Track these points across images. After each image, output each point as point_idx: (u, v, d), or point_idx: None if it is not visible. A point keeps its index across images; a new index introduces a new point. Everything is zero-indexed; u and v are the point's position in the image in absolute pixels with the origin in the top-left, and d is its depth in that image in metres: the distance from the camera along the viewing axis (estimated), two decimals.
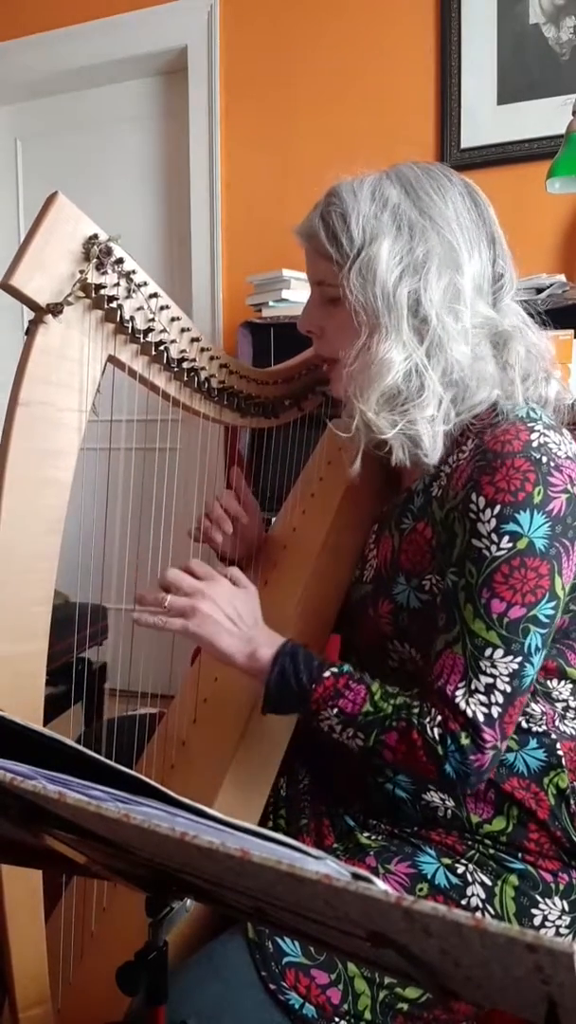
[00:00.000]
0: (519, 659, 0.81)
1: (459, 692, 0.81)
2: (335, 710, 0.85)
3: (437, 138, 2.45)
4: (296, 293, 2.32)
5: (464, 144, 2.41)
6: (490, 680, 0.81)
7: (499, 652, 0.81)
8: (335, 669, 0.87)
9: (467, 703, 0.80)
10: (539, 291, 1.93)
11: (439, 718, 0.81)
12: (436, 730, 0.81)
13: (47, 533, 0.84)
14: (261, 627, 0.91)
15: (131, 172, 2.98)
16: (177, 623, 0.88)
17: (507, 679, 0.81)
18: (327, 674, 0.86)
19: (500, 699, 0.81)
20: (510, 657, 0.81)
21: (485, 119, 2.39)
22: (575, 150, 1.86)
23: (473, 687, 0.81)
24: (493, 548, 0.81)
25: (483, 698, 0.80)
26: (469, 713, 0.80)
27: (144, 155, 2.98)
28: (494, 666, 0.81)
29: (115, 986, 0.57)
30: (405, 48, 2.47)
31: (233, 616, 0.89)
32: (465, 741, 0.80)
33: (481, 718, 0.80)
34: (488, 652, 0.81)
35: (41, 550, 0.84)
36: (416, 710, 0.83)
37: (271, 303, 2.34)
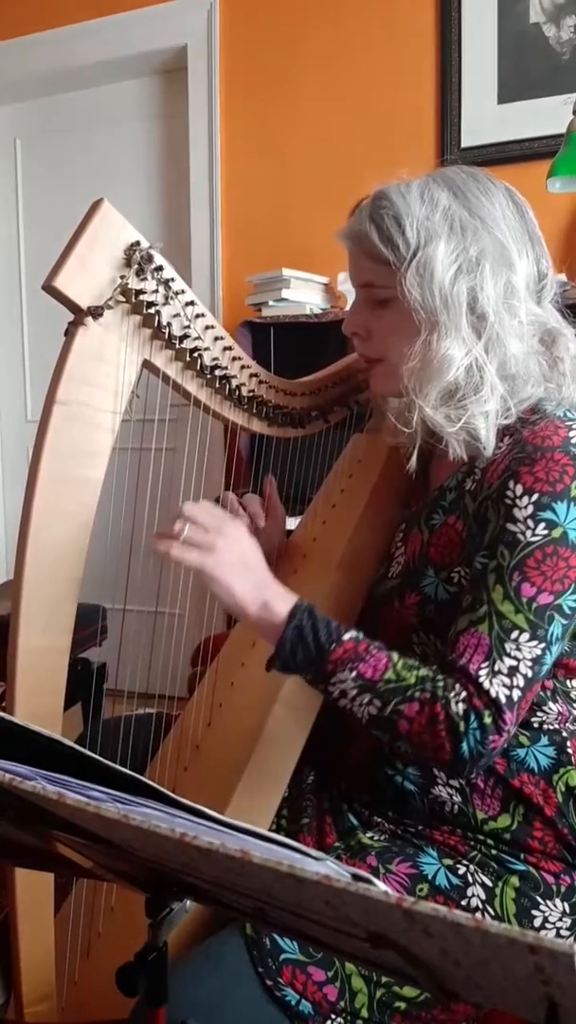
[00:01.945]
0: (543, 645, 0.81)
1: (483, 671, 0.81)
2: (353, 673, 0.83)
3: (437, 137, 2.45)
4: (295, 292, 2.32)
5: (464, 143, 2.41)
6: (514, 663, 0.81)
7: (525, 636, 0.81)
8: (354, 633, 0.86)
9: (491, 683, 0.80)
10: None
11: (463, 694, 0.80)
12: (461, 705, 0.80)
13: (77, 531, 0.86)
14: (272, 580, 0.90)
15: (131, 172, 2.98)
16: (194, 557, 0.86)
17: (529, 663, 0.81)
18: (347, 637, 0.85)
19: (521, 683, 0.81)
20: (534, 642, 0.81)
21: (485, 118, 2.39)
22: (575, 149, 1.86)
23: (496, 668, 0.81)
24: (528, 533, 0.83)
25: (506, 680, 0.80)
26: (493, 693, 0.80)
27: (144, 155, 2.98)
28: (519, 649, 0.81)
29: None
30: (405, 48, 2.47)
31: (248, 561, 0.88)
32: (488, 720, 0.79)
33: (503, 699, 0.80)
34: (514, 635, 0.81)
35: (71, 547, 0.86)
36: (441, 683, 0.82)
37: (271, 302, 2.34)
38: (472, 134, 2.40)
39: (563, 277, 2.02)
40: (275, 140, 2.66)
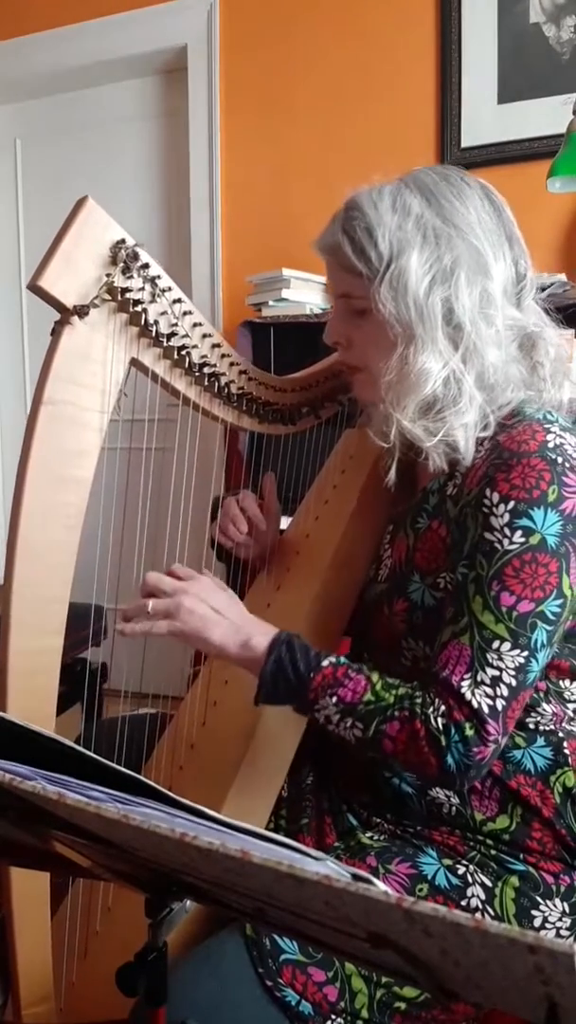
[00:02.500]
0: (525, 653, 0.81)
1: (465, 683, 0.81)
2: (334, 699, 0.84)
3: (437, 138, 2.45)
4: (296, 292, 2.32)
5: (464, 143, 2.41)
6: (496, 673, 0.81)
7: (507, 645, 0.81)
8: (333, 659, 0.86)
9: (472, 694, 0.80)
10: (540, 290, 1.93)
11: (443, 708, 0.81)
12: (440, 720, 0.80)
13: (67, 531, 0.86)
14: (249, 618, 0.91)
15: (131, 172, 2.98)
16: (163, 625, 0.88)
17: (513, 672, 0.81)
18: (326, 663, 0.86)
19: (505, 692, 0.81)
20: (517, 651, 0.81)
21: (485, 118, 2.39)
22: (575, 149, 1.86)
23: (479, 679, 0.81)
24: (505, 542, 0.82)
25: (488, 690, 0.80)
26: (475, 704, 0.80)
27: (144, 155, 2.98)
28: (501, 659, 0.81)
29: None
30: (405, 48, 2.47)
31: (218, 608, 0.90)
32: (469, 732, 0.79)
33: (486, 710, 0.80)
34: (496, 645, 0.81)
35: (60, 547, 0.85)
36: (419, 700, 0.82)
37: (271, 302, 2.33)
38: (472, 134, 2.40)
39: (563, 277, 2.02)
40: (275, 140, 2.66)
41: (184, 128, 2.78)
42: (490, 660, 0.81)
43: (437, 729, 0.80)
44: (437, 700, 0.81)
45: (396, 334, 0.90)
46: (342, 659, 0.87)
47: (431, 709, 0.81)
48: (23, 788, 0.45)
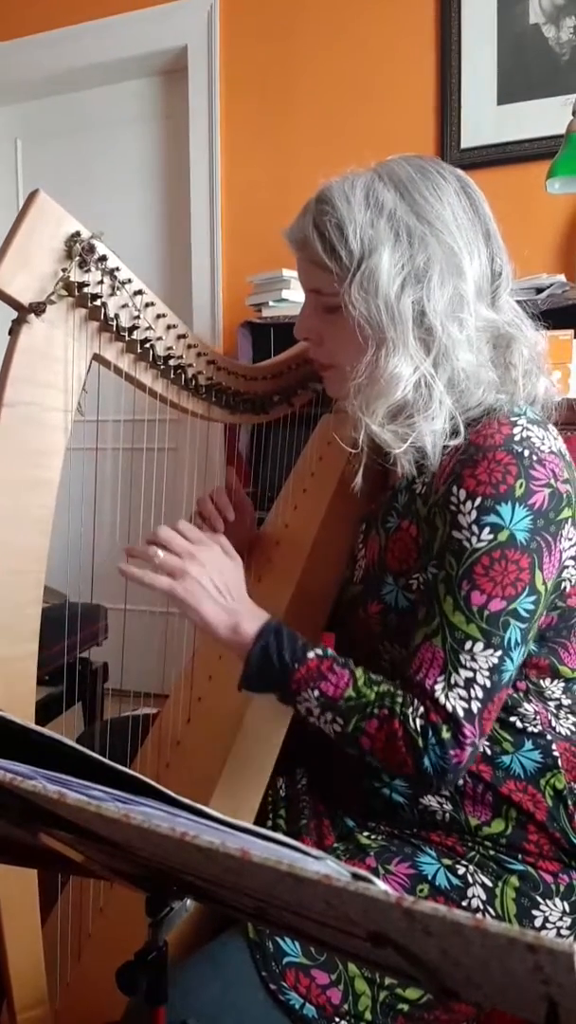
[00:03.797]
0: (499, 653, 0.80)
1: (438, 686, 0.80)
2: (316, 692, 0.83)
3: (437, 138, 2.45)
4: (296, 293, 2.32)
5: (464, 144, 2.41)
6: (470, 674, 0.80)
7: (479, 645, 0.80)
8: (319, 651, 0.85)
9: (447, 697, 0.79)
10: (539, 291, 1.93)
11: (421, 709, 0.80)
12: (418, 721, 0.79)
13: (36, 534, 0.84)
14: (246, 601, 0.90)
15: (131, 172, 2.98)
16: (164, 582, 0.87)
17: (487, 673, 0.80)
18: (311, 655, 0.85)
19: (480, 694, 0.79)
20: (490, 651, 0.80)
21: (485, 119, 2.39)
22: (575, 150, 1.86)
23: (452, 681, 0.80)
24: (474, 540, 0.81)
25: (463, 692, 0.79)
26: (449, 707, 0.79)
27: (144, 155, 2.98)
28: (474, 659, 0.80)
29: (113, 986, 0.57)
30: (405, 48, 2.47)
31: (220, 586, 0.88)
32: (446, 735, 0.78)
33: (461, 713, 0.79)
34: (468, 645, 0.80)
35: (30, 551, 0.84)
36: (400, 699, 0.81)
37: (271, 303, 2.34)
38: (472, 134, 2.40)
39: (562, 277, 2.02)
40: (275, 140, 2.66)
41: (184, 129, 2.78)
42: (463, 661, 0.80)
43: (415, 730, 0.79)
44: (416, 701, 0.81)
45: (366, 336, 0.88)
46: (329, 651, 0.86)
47: (410, 710, 0.80)
48: (24, 788, 0.45)
